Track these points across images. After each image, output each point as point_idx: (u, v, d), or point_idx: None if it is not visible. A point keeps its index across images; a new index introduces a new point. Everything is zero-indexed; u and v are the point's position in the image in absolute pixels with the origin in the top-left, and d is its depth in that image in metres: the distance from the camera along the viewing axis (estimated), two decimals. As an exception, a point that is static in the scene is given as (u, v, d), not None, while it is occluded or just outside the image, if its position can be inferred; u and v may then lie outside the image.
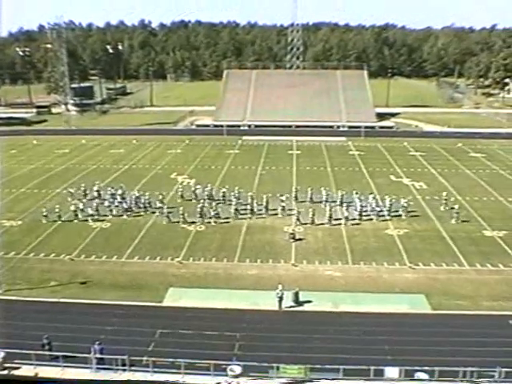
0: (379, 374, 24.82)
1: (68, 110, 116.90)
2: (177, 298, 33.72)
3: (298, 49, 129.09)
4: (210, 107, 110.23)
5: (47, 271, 37.05)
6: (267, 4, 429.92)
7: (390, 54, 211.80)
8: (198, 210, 47.14)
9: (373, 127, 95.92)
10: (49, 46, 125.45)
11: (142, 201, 50.08)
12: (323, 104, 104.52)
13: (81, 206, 48.73)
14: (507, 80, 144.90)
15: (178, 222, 46.57)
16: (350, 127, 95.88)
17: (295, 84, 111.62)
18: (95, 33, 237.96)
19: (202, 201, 50.11)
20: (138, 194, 51.24)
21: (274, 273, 36.97)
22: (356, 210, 47.94)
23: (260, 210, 48.69)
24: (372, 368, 24.65)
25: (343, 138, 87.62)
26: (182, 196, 53.28)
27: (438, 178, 62.20)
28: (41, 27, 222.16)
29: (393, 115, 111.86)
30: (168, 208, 48.15)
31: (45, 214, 47.34)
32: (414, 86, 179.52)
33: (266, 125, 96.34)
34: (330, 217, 46.25)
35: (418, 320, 31.14)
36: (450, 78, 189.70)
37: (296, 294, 32.81)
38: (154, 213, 49.00)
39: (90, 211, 48.06)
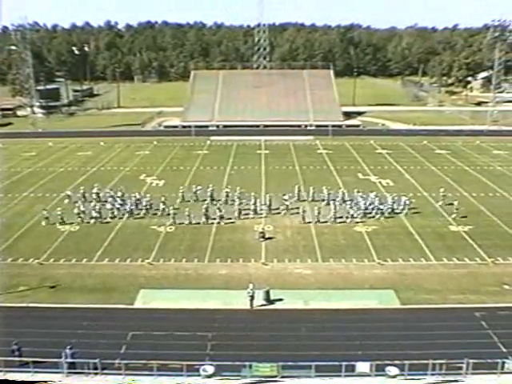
0: (350, 369, 25.11)
1: (34, 113, 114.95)
2: (148, 299, 33.58)
3: (264, 49, 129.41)
4: (178, 108, 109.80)
5: (15, 276, 36.42)
6: (233, 4, 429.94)
7: (356, 53, 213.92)
8: (203, 211, 47.16)
9: (340, 126, 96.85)
10: (13, 47, 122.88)
11: (144, 203, 49.62)
12: (290, 103, 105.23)
13: (82, 208, 48.15)
14: (469, 78, 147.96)
15: (184, 223, 46.39)
16: (317, 126, 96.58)
17: (263, 84, 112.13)
18: (60, 34, 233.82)
19: (206, 202, 50.28)
20: (138, 197, 50.79)
21: (245, 272, 37.11)
22: (360, 208, 48.37)
23: (262, 209, 48.98)
24: (343, 364, 24.94)
25: (311, 137, 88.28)
26: (182, 197, 52.92)
27: (404, 175, 63.22)
28: (4, 28, 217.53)
29: (359, 114, 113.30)
30: (174, 209, 48.06)
31: (46, 216, 46.77)
32: (380, 84, 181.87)
33: (234, 125, 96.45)
34: (335, 215, 46.79)
35: (387, 315, 31.64)
36: (414, 76, 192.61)
37: (267, 293, 33.02)
38: (155, 214, 48.69)
39: (94, 214, 47.45)
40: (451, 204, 49.53)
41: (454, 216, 47.55)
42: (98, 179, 60.73)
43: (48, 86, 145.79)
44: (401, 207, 49.00)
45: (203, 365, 25.36)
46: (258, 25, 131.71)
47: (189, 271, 37.46)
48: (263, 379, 25.05)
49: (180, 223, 46.45)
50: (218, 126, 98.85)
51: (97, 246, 41.78)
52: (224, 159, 72.03)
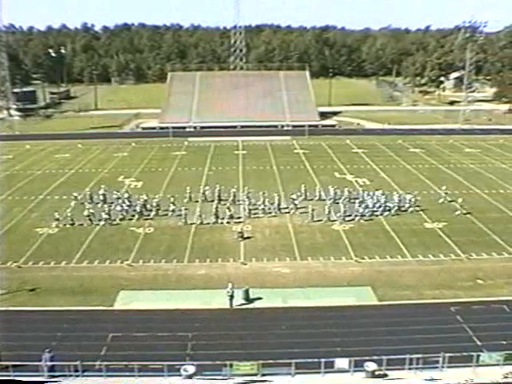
0: (330, 365, 25.52)
1: (11, 116, 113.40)
2: (128, 301, 33.62)
3: (241, 50, 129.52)
4: (156, 110, 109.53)
5: (-7, 280, 36.23)
6: (210, 6, 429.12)
7: (331, 54, 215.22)
8: (214, 211, 47.39)
9: (316, 126, 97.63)
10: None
11: (154, 204, 49.59)
12: (267, 104, 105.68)
13: (91, 210, 47.99)
14: (442, 78, 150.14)
15: (195, 223, 46.55)
16: (294, 126, 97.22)
17: (239, 85, 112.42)
18: (36, 36, 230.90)
19: (215, 201, 50.54)
20: (146, 198, 50.76)
21: (224, 272, 37.34)
22: (368, 206, 48.86)
23: (272, 208, 49.38)
24: (322, 360, 25.31)
25: (288, 137, 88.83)
26: (189, 198, 52.91)
27: (380, 173, 64.06)
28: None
29: (335, 114, 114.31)
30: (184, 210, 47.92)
31: (56, 217, 46.59)
32: (355, 85, 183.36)
33: (212, 126, 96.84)
34: (344, 213, 47.34)
35: (365, 311, 32.14)
36: (389, 77, 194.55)
37: (246, 292, 33.30)
38: (166, 215, 48.68)
39: (104, 215, 47.31)
40: (453, 201, 50.73)
41: (458, 213, 48.45)
42: (77, 181, 60.65)
43: (24, 89, 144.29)
44: (407, 205, 49.82)
45: (184, 365, 25.52)
46: (235, 26, 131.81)
47: (168, 272, 37.57)
48: (244, 378, 25.34)
49: (191, 223, 46.69)
50: (195, 128, 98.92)
51: (76, 248, 41.59)
52: (202, 160, 72.14)
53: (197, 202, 52.34)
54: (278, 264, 38.68)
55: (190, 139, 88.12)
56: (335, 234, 44.47)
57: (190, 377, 25.05)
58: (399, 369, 25.62)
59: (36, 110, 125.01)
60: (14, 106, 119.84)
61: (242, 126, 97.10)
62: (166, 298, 33.83)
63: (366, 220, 47.31)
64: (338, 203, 49.84)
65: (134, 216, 48.44)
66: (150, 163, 71.11)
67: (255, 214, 48.82)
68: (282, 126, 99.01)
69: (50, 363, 25.42)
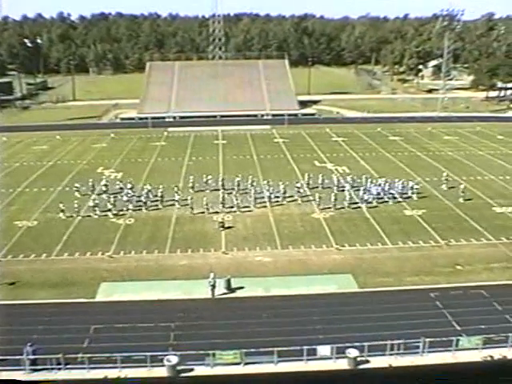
0: (312, 353, 25.76)
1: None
2: (109, 292, 33.51)
3: (219, 39, 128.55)
4: (134, 100, 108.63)
5: (-28, 274, 35.80)
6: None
7: (310, 43, 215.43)
8: (220, 199, 47.47)
9: (296, 115, 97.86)
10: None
11: (159, 194, 49.26)
12: (247, 93, 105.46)
13: (97, 201, 47.86)
14: (420, 66, 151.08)
15: (203, 212, 46.47)
16: (273, 115, 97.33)
17: (219, 75, 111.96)
18: (11, 26, 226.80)
19: (221, 191, 50.50)
20: (149, 188, 50.54)
21: (206, 261, 37.38)
22: (372, 194, 49.22)
23: (277, 197, 49.61)
24: (305, 348, 25.56)
25: (267, 127, 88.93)
26: (192, 187, 52.76)
27: (359, 161, 64.45)
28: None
29: (314, 102, 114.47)
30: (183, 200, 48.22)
31: (62, 208, 46.24)
32: (334, 73, 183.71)
33: (191, 116, 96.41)
34: (350, 201, 47.89)
35: (346, 299, 32.49)
36: (368, 65, 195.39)
37: (228, 281, 33.41)
38: (173, 205, 48.48)
39: (109, 206, 47.08)
40: (453, 187, 51.58)
41: (461, 199, 48.99)
42: (55, 173, 60.03)
43: (0, 80, 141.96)
44: (410, 192, 50.33)
45: (167, 355, 25.58)
46: (213, 15, 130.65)
47: (150, 263, 37.51)
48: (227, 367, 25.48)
49: (198, 213, 46.63)
50: (174, 118, 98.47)
51: (56, 240, 41.26)
52: (181, 150, 71.88)
53: (201, 191, 52.30)
54: (260, 253, 38.81)
55: (170, 129, 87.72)
56: (315, 222, 44.69)
57: (173, 367, 25.11)
58: (380, 354, 25.94)
59: (12, 102, 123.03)
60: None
61: (222, 116, 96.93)
62: (148, 288, 33.78)
63: (369, 208, 47.72)
64: (342, 191, 50.28)
65: (141, 206, 48.25)
66: (130, 154, 70.63)
67: (262, 202, 49.08)
68: (262, 115, 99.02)
69: (32, 357, 25.31)
